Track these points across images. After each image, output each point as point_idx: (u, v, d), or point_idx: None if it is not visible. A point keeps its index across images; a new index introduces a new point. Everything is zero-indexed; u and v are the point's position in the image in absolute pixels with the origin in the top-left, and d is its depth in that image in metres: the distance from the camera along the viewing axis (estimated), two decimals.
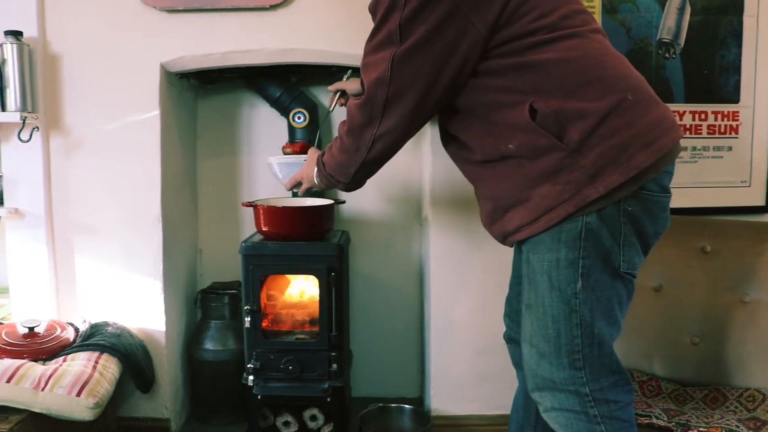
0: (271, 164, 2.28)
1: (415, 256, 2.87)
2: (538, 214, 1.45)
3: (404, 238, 2.86)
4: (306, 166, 1.88)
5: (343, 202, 2.54)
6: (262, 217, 2.35)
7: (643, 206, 1.44)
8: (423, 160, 2.71)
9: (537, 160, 1.43)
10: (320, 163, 1.74)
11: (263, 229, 2.36)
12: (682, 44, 2.45)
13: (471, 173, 1.62)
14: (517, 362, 1.88)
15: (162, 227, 2.49)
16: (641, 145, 1.41)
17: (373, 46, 1.50)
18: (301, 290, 2.53)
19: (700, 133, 2.50)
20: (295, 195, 2.41)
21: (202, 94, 2.87)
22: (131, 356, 2.37)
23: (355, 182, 1.69)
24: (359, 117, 1.53)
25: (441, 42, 1.42)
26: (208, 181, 2.91)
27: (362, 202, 2.84)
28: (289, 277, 2.51)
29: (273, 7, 2.38)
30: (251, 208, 2.40)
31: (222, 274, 2.89)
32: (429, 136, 2.53)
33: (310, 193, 2.06)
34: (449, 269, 2.50)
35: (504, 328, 1.92)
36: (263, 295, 2.38)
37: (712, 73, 2.48)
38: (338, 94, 2.09)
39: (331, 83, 2.14)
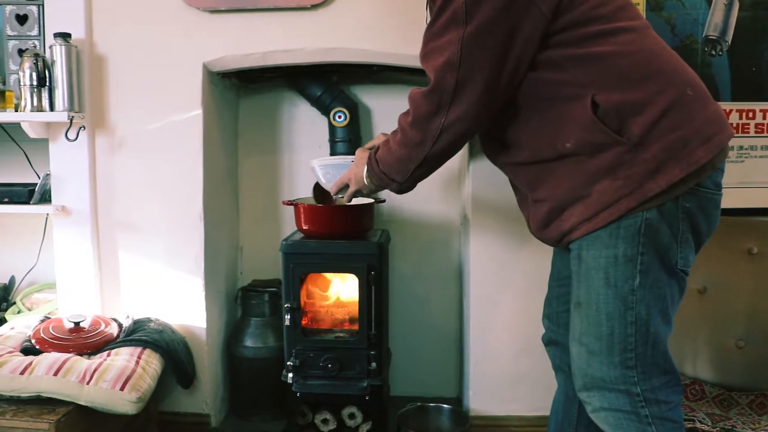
0: (314, 168, 2.19)
1: (454, 256, 2.85)
2: (596, 209, 1.44)
3: (444, 237, 2.85)
4: (354, 166, 1.82)
5: (383, 201, 2.52)
6: (302, 216, 2.35)
7: (699, 203, 1.44)
8: (464, 160, 2.69)
9: (596, 156, 1.42)
10: (373, 161, 1.69)
11: (304, 228, 2.37)
12: (730, 41, 2.41)
13: (524, 177, 1.59)
14: (557, 365, 1.87)
15: (203, 225, 2.50)
16: (701, 140, 1.40)
17: (436, 30, 1.46)
18: (340, 288, 2.53)
19: (748, 132, 2.46)
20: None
21: (243, 94, 2.89)
22: (173, 352, 2.38)
23: (411, 181, 1.65)
24: (425, 105, 1.48)
25: (507, 22, 1.39)
26: (249, 180, 2.92)
27: (402, 201, 2.83)
28: (329, 275, 2.51)
29: (314, 7, 2.38)
30: (292, 207, 2.41)
31: (262, 271, 2.90)
32: None
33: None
34: (490, 269, 2.48)
35: (542, 330, 1.91)
36: (303, 293, 2.38)
37: (760, 70, 2.44)
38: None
39: (372, 82, 2.15)
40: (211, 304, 2.60)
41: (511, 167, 1.62)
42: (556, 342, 1.84)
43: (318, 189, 2.22)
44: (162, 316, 2.55)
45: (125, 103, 2.47)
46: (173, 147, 2.47)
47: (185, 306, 2.55)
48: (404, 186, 1.66)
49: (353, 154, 1.95)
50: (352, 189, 1.84)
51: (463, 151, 2.64)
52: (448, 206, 2.85)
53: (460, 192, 2.80)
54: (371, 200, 2.38)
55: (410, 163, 1.58)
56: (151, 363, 2.27)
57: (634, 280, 1.42)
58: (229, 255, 2.84)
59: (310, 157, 2.37)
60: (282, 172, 2.92)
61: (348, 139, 2.69)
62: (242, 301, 2.76)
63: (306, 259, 2.31)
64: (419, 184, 1.66)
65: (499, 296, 2.48)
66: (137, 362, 2.22)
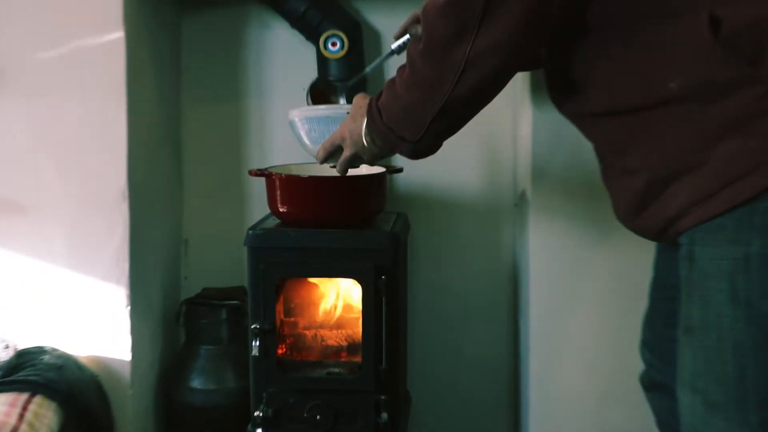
0: (292, 122, 2.25)
1: (505, 253, 2.85)
2: (718, 185, 1.39)
3: (489, 225, 2.85)
4: (349, 119, 1.82)
5: (400, 170, 2.50)
6: (279, 193, 2.34)
7: None
8: (519, 111, 2.66)
9: (717, 102, 1.38)
10: (374, 109, 1.68)
11: (281, 211, 2.35)
12: None
13: (607, 135, 1.57)
14: (664, 420, 1.84)
15: (129, 207, 2.44)
16: None
17: None
18: (335, 302, 2.49)
19: None
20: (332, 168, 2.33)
21: (189, 9, 2.85)
22: (78, 399, 2.28)
23: (430, 139, 1.63)
24: (443, 27, 1.46)
25: None
26: (198, 140, 2.89)
27: (427, 172, 2.78)
28: (319, 281, 2.48)
29: None
30: (262, 180, 2.37)
31: (217, 276, 2.87)
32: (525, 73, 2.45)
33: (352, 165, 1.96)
34: (559, 274, 2.45)
35: (641, 365, 1.88)
36: (280, 309, 2.35)
37: None
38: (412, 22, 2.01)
39: None
40: (138, 326, 2.52)
41: (588, 120, 1.62)
42: (661, 385, 1.80)
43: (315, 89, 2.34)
44: (62, 344, 2.45)
45: (1, 18, 2.39)
46: (80, 87, 2.39)
47: (99, 328, 2.46)
48: (420, 147, 1.66)
49: (351, 102, 1.93)
50: (347, 153, 1.84)
51: (517, 94, 2.64)
52: (496, 180, 2.84)
53: (514, 157, 2.79)
54: (382, 169, 2.37)
55: (425, 112, 1.59)
56: (44, 417, 2.16)
57: None
58: (167, 251, 2.82)
59: (289, 106, 2.41)
60: (247, 128, 2.89)
61: (346, 77, 2.65)
62: (187, 321, 2.72)
63: (284, 256, 2.30)
64: (448, 145, 1.67)
65: (572, 314, 2.46)
66: (21, 416, 2.11)
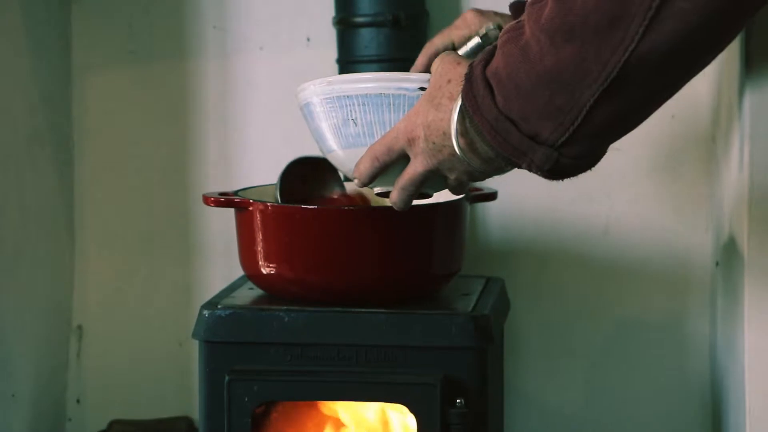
0: (308, 107, 1.66)
1: (696, 351, 2.40)
2: None
3: (664, 302, 2.38)
4: (425, 103, 1.42)
5: (493, 196, 2.06)
6: (261, 239, 1.95)
7: None
8: (725, 102, 2.25)
9: None
10: (480, 84, 1.30)
11: (265, 272, 1.94)
12: None
13: None
14: None
15: None
16: None
17: None
18: None
19: None
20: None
21: None
22: None
23: (585, 137, 1.24)
24: None
25: None
26: (102, 138, 2.44)
27: (541, 201, 2.35)
28: (338, 409, 1.99)
29: None
30: (228, 214, 2.03)
31: (136, 398, 2.41)
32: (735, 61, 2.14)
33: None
34: None
35: None
36: None
37: None
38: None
39: None
40: None
41: None
42: None
43: (297, 177, 1.95)
44: None
45: None
46: None
47: None
48: (567, 153, 1.26)
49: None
50: (417, 167, 1.44)
51: (713, 91, 2.36)
52: (678, 218, 2.40)
53: (713, 182, 2.39)
54: (458, 196, 1.91)
55: (583, 82, 1.20)
56: None
57: None
58: (41, 351, 2.41)
59: (288, 74, 2.22)
60: (199, 116, 2.43)
61: (395, 21, 2.21)
62: None
63: (270, 361, 1.87)
64: (603, 166, 1.34)
65: None
66: None
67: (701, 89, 2.39)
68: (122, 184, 2.50)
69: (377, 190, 1.56)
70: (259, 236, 1.91)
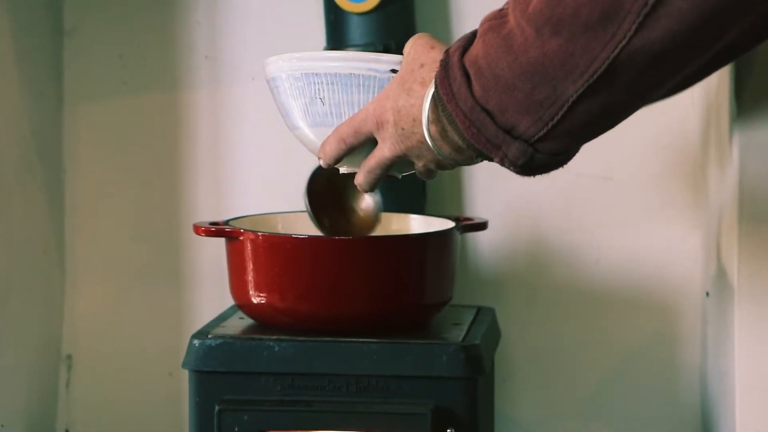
0: (274, 80, 1.67)
1: (685, 381, 2.39)
2: None
3: (654, 331, 2.39)
4: (396, 85, 1.43)
5: (483, 226, 2.09)
6: (252, 268, 1.97)
7: None
8: (710, 119, 2.33)
9: None
10: (456, 72, 1.30)
11: (255, 301, 1.97)
12: None
13: None
14: None
15: None
16: None
17: None
18: None
19: None
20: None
21: None
22: None
23: (563, 133, 1.25)
24: None
25: None
26: (93, 166, 2.43)
27: (534, 228, 2.36)
28: None
29: None
30: (218, 243, 2.07)
31: (127, 428, 2.41)
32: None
33: (385, 175, 1.55)
34: None
35: None
36: None
37: None
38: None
39: None
40: None
41: None
42: None
43: (320, 188, 1.88)
44: None
45: None
46: None
47: None
48: (543, 149, 1.28)
49: (397, 49, 1.81)
50: (385, 152, 1.46)
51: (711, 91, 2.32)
52: (671, 251, 2.40)
53: (704, 213, 2.39)
54: (450, 224, 2.02)
55: (569, 76, 1.21)
56: None
57: None
58: (30, 382, 2.37)
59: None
60: (189, 145, 2.44)
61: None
62: None
63: (261, 391, 1.87)
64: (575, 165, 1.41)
65: None
66: None
67: (691, 118, 2.41)
68: (113, 214, 2.51)
69: (343, 170, 1.58)
70: (250, 266, 1.93)
